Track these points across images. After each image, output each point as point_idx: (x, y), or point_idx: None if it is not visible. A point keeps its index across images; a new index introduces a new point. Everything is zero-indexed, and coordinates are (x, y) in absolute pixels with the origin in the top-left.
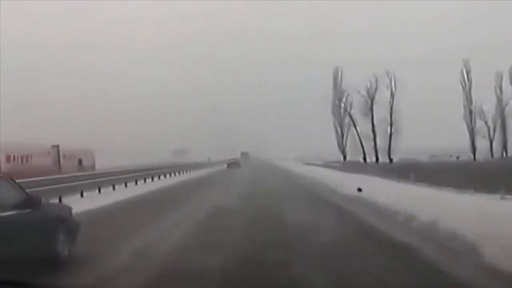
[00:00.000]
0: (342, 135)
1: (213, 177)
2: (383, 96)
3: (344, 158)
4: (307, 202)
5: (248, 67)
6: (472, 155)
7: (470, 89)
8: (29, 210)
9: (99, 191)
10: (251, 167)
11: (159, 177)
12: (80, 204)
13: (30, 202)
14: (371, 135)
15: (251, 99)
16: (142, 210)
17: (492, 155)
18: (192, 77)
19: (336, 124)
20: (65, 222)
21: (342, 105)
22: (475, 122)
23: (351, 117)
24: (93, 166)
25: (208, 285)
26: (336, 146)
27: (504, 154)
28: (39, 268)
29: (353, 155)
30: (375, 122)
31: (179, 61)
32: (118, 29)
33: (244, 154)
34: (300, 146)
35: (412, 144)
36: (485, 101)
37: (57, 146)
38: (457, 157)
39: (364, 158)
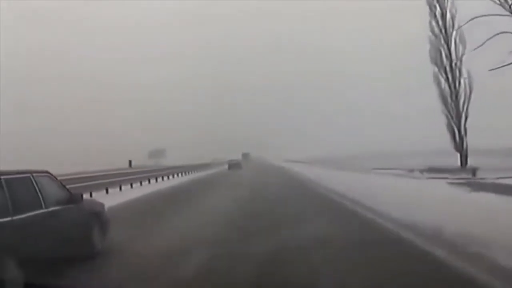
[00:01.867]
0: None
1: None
2: None
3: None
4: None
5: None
6: None
7: None
8: (72, 205)
9: None
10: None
11: None
12: None
13: (73, 198)
14: None
15: (254, 100)
16: None
17: None
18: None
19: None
20: (99, 217)
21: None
22: None
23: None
24: None
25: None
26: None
27: None
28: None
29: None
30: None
31: (179, 61)
32: (118, 28)
33: (245, 155)
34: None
35: None
36: None
37: None
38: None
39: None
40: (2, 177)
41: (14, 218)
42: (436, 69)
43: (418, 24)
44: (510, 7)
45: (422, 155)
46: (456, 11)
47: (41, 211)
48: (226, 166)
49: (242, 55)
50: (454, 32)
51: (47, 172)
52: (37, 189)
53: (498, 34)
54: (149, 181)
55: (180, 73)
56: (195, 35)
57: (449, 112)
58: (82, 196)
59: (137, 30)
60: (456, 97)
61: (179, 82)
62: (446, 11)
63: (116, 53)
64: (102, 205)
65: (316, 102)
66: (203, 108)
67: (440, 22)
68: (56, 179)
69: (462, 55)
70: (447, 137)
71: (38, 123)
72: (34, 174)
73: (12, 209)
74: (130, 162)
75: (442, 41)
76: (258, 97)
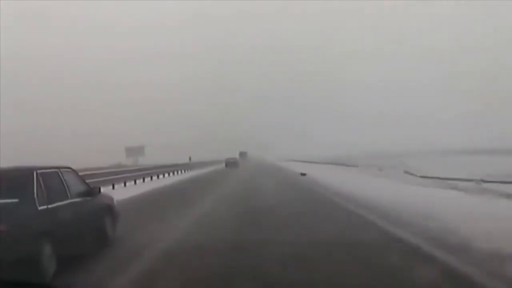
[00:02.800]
0: None
1: None
2: None
3: None
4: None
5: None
6: None
7: None
8: (90, 198)
9: None
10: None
11: None
12: None
13: (91, 191)
14: None
15: (253, 99)
16: None
17: None
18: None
19: None
20: (111, 209)
21: None
22: None
23: None
24: None
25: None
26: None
27: None
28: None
29: None
30: None
31: (179, 61)
32: (116, 28)
33: (243, 154)
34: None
35: None
36: None
37: None
38: None
39: None
40: (38, 171)
41: (49, 206)
42: None
43: (418, 24)
44: None
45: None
46: None
47: (68, 201)
48: (210, 169)
49: (242, 55)
50: None
51: (70, 168)
52: (63, 182)
53: None
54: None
55: (180, 72)
56: (195, 35)
57: None
58: (99, 189)
59: (136, 30)
60: None
61: (179, 82)
62: None
63: (114, 53)
64: (112, 199)
65: (316, 102)
66: (202, 107)
67: None
68: (78, 174)
69: None
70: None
71: (34, 122)
72: (61, 170)
73: (47, 199)
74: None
75: None
76: (257, 96)
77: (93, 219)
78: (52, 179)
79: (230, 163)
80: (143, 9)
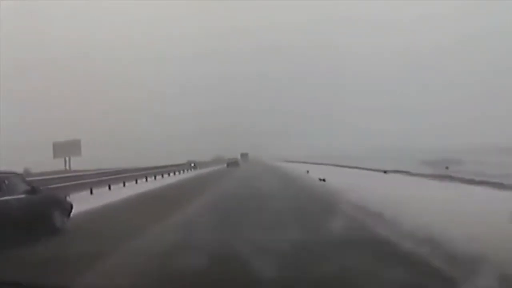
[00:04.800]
0: None
1: None
2: None
3: None
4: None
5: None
6: None
7: None
8: (32, 195)
9: None
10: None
11: None
12: None
13: (33, 189)
14: None
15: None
16: None
17: None
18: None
19: None
20: (60, 204)
21: None
22: None
23: None
24: None
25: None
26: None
27: None
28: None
29: None
30: None
31: (178, 61)
32: (114, 27)
33: (244, 156)
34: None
35: None
36: None
37: None
38: None
39: None
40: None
41: None
42: None
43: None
44: None
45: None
46: None
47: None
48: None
49: (241, 55)
50: None
51: (14, 172)
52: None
53: None
54: None
55: (179, 74)
56: (193, 36)
57: None
58: (39, 188)
59: (134, 30)
60: None
61: (178, 82)
62: None
63: (113, 52)
64: (64, 195)
65: (316, 102)
66: (203, 109)
67: None
68: (21, 176)
69: None
70: None
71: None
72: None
73: None
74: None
75: None
76: (257, 97)
77: (34, 213)
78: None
79: (231, 164)
80: (140, 8)
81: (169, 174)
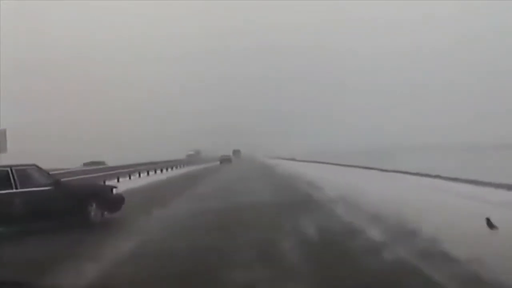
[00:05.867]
0: None
1: None
2: None
3: None
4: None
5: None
6: None
7: None
8: (51, 187)
9: None
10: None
11: None
12: None
13: (57, 182)
14: None
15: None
16: None
17: None
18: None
19: None
20: (97, 197)
21: None
22: None
23: None
24: None
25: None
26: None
27: None
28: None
29: None
30: None
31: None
32: (117, 27)
33: (236, 152)
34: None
35: None
36: None
37: None
38: None
39: None
40: (13, 168)
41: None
42: None
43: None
44: None
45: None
46: None
47: (34, 189)
48: None
49: (241, 55)
50: None
51: (35, 165)
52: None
53: None
54: None
55: (179, 74)
56: (189, 34)
57: None
58: (59, 180)
59: (134, 30)
60: None
61: (177, 82)
62: None
63: (113, 52)
64: (108, 187)
65: (315, 102)
66: (203, 108)
67: None
68: (41, 169)
69: None
70: None
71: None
72: (25, 167)
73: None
74: None
75: None
76: (256, 98)
77: (54, 205)
78: (22, 173)
79: (224, 160)
80: (139, 8)
81: (177, 167)
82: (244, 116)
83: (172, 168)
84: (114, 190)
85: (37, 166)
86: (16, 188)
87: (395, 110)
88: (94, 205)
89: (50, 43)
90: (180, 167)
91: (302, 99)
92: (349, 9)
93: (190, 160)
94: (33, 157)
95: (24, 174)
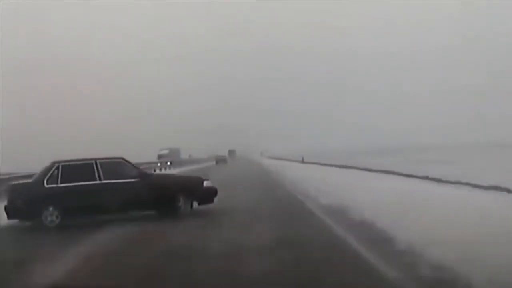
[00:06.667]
0: None
1: None
2: None
3: None
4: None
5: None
6: None
7: None
8: (137, 179)
9: None
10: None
11: None
12: None
13: (144, 174)
14: None
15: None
16: None
17: None
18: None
19: None
20: (187, 189)
21: None
22: None
23: None
24: None
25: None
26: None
27: None
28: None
29: None
30: None
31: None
32: (117, 27)
33: (231, 152)
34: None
35: None
36: None
37: None
38: None
39: None
40: (97, 160)
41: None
42: None
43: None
44: None
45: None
46: None
47: (118, 181)
48: None
49: (241, 55)
50: None
51: (123, 158)
52: (117, 167)
53: None
54: None
55: (179, 74)
56: (187, 34)
57: None
58: (146, 173)
59: (135, 30)
60: None
61: (177, 82)
62: None
63: (113, 52)
64: (199, 180)
65: (313, 103)
66: (202, 108)
67: None
68: (128, 162)
69: None
70: None
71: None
72: (111, 159)
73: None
74: None
75: None
76: (255, 98)
77: (139, 197)
78: (108, 166)
79: (220, 160)
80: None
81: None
82: (244, 117)
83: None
84: (205, 183)
85: (124, 159)
86: (100, 180)
87: (395, 110)
88: (182, 197)
89: (50, 43)
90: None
91: (301, 99)
92: (349, 9)
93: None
94: (32, 158)
95: (109, 166)
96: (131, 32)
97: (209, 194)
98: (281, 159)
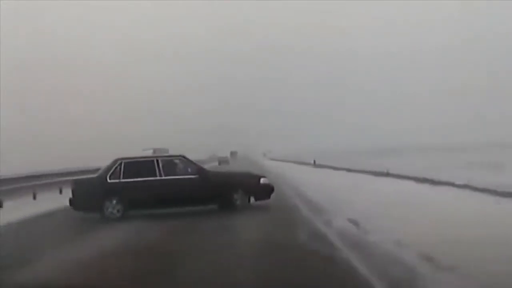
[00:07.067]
0: None
1: None
2: None
3: None
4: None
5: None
6: None
7: None
8: (196, 176)
9: None
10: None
11: None
12: None
13: (203, 171)
14: None
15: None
16: None
17: None
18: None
19: None
20: (241, 185)
21: None
22: None
23: None
24: None
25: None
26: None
27: None
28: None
29: None
30: None
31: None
32: (117, 27)
33: (233, 154)
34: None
35: None
36: None
37: None
38: None
39: None
40: (159, 158)
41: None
42: None
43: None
44: None
45: None
46: None
47: (177, 177)
48: None
49: (240, 55)
50: None
51: (183, 155)
52: (177, 164)
53: None
54: None
55: (179, 74)
56: (186, 33)
57: None
58: (203, 169)
59: (134, 30)
60: None
61: (177, 82)
62: None
63: (113, 52)
64: (256, 177)
65: (313, 103)
66: (202, 108)
67: None
68: (188, 160)
69: None
70: None
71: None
72: (171, 157)
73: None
74: None
75: None
76: (255, 98)
77: (198, 192)
78: (169, 163)
79: (222, 161)
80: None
81: None
82: (244, 117)
83: None
84: (262, 180)
85: (184, 157)
86: (161, 176)
87: (395, 110)
88: (239, 193)
89: (50, 43)
90: None
91: (301, 99)
92: (349, 9)
93: None
94: (32, 158)
95: (169, 164)
96: (131, 32)
97: (266, 191)
98: (287, 161)
